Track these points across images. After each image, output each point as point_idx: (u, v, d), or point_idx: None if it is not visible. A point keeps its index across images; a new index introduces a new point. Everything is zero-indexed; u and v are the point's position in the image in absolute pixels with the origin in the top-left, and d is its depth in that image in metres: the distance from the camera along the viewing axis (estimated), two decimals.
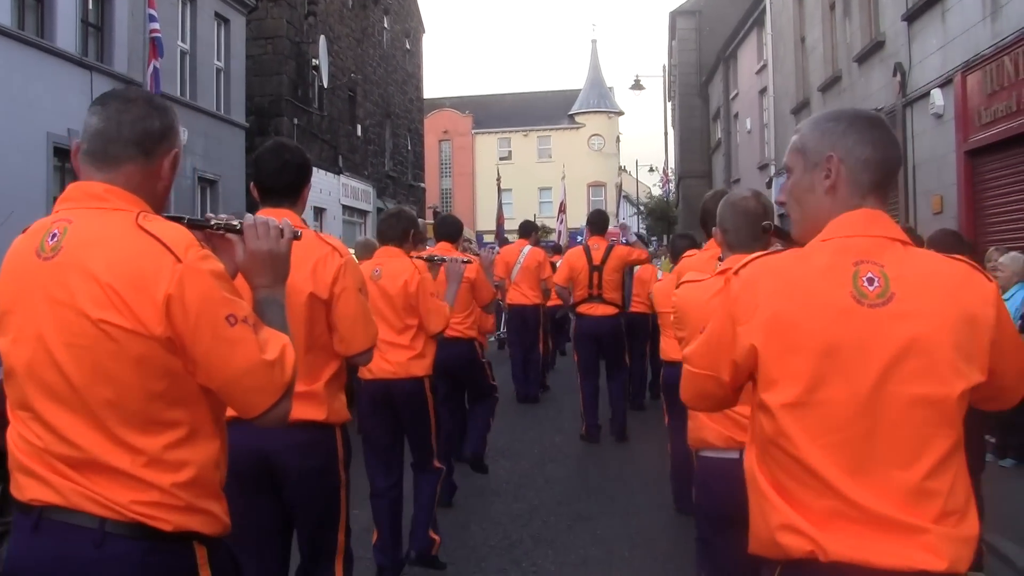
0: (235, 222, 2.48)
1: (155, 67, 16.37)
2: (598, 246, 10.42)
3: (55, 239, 2.27)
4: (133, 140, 2.35)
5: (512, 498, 8.19)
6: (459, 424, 8.42)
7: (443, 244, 7.64)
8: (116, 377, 2.19)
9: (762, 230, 3.30)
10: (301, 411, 3.63)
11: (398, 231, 5.95)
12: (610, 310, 10.34)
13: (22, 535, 2.26)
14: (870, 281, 2.16)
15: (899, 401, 2.11)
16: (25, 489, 2.26)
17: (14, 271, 2.33)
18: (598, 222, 10.91)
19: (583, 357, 10.59)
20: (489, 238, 27.67)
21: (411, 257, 5.92)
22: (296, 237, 2.56)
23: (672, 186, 49.60)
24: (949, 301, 2.14)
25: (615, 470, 9.33)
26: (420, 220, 6.29)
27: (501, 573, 6.23)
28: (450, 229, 7.90)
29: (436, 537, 6.09)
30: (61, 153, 16.11)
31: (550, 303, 13.37)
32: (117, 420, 2.20)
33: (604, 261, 10.28)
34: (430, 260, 6.12)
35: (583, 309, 10.43)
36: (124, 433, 2.20)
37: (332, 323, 3.83)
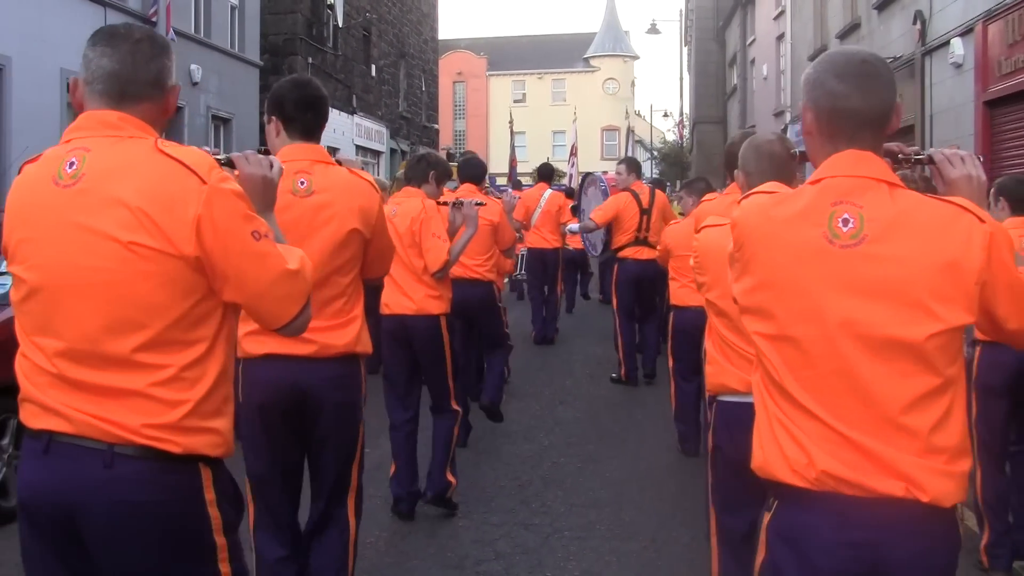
0: (220, 155, 2.59)
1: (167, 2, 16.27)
2: (641, 190, 10.44)
3: (74, 167, 2.31)
4: (149, 80, 2.44)
5: (523, 440, 8.27)
6: (473, 363, 8.45)
7: (467, 186, 7.64)
8: (143, 298, 2.25)
9: (791, 156, 3.41)
10: (339, 342, 3.74)
11: (418, 171, 6.10)
12: (654, 254, 10.15)
13: (32, 459, 2.34)
14: (844, 222, 2.20)
15: (865, 341, 2.16)
16: (35, 418, 2.32)
17: (29, 200, 2.36)
18: (636, 166, 11.01)
19: (625, 301, 10.53)
20: (502, 181, 27.52)
21: (432, 199, 5.98)
22: (280, 172, 2.72)
23: (687, 132, 49.30)
24: (925, 244, 2.16)
25: (624, 413, 9.42)
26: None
27: (510, 513, 6.29)
28: (474, 171, 7.90)
29: (453, 480, 6.13)
30: None
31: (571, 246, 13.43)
32: (141, 341, 2.25)
33: (651, 204, 10.31)
34: (452, 204, 6.15)
35: (628, 253, 10.36)
36: (145, 354, 2.26)
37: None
